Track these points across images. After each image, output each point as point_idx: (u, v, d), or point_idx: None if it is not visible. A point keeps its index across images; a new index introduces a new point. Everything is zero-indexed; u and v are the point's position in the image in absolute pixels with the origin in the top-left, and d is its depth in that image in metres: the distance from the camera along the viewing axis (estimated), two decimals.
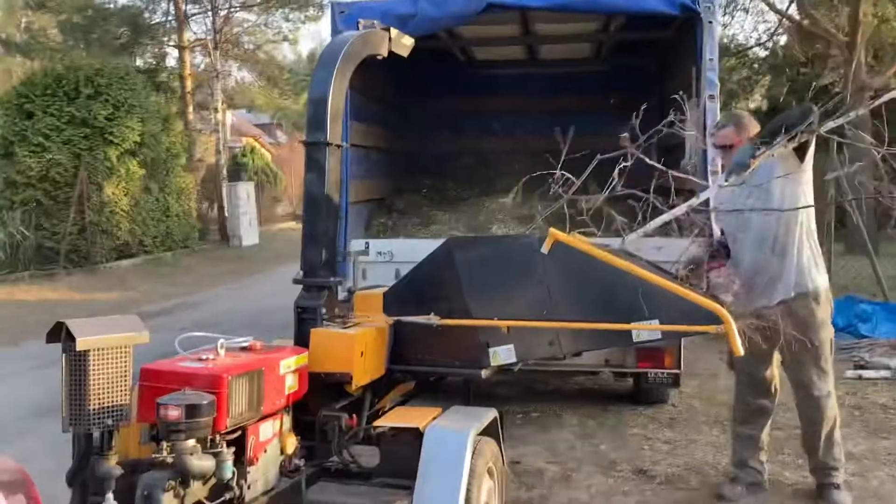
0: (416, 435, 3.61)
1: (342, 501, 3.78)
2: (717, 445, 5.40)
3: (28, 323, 10.45)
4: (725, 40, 19.50)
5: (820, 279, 4.34)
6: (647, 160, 4.09)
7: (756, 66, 20.98)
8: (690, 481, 4.84)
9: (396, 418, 3.81)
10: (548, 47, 7.76)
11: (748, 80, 21.12)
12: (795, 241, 4.25)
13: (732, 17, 20.10)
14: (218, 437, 3.12)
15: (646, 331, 3.79)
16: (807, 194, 4.28)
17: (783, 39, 19.77)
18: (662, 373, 5.74)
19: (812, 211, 4.37)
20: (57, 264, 14.38)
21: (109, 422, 2.90)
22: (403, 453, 3.66)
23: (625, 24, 6.99)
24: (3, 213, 14.50)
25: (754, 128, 4.46)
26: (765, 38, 20.51)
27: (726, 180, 4.11)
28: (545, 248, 3.75)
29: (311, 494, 3.74)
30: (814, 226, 4.40)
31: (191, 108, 23.77)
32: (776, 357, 4.44)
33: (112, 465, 2.95)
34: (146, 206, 16.58)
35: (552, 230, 3.76)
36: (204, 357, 3.29)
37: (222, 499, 3.17)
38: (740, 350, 3.49)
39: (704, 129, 5.25)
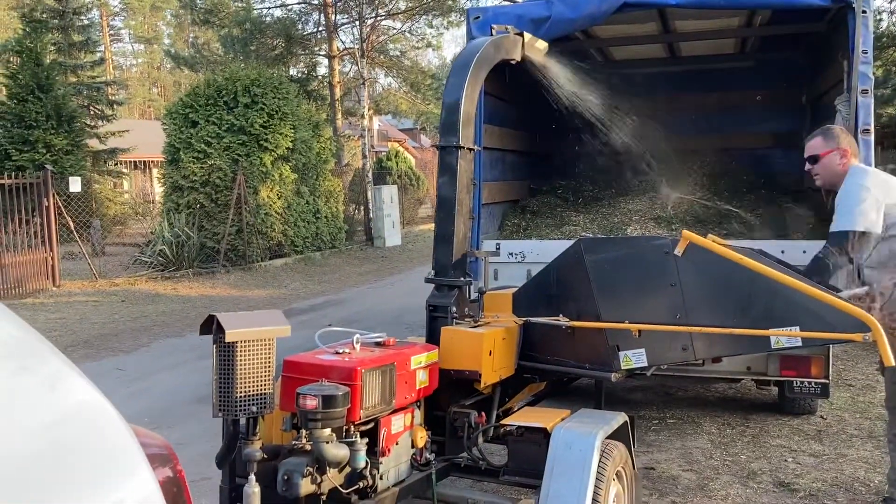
0: (544, 435, 3.65)
1: (471, 497, 3.88)
2: (871, 462, 5.08)
3: (191, 317, 11.30)
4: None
5: None
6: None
7: None
8: (838, 498, 4.58)
9: (525, 417, 3.86)
10: (689, 44, 7.53)
11: None
12: None
13: None
14: (352, 428, 3.29)
15: (785, 337, 3.64)
16: None
17: None
18: (809, 382, 5.45)
19: None
20: (217, 263, 15.42)
21: (254, 409, 3.13)
22: (531, 453, 3.71)
23: (770, 18, 6.68)
24: (171, 214, 15.73)
25: (846, 141, 4.22)
26: None
27: None
28: (679, 250, 3.69)
29: (441, 488, 3.86)
30: None
31: (339, 115, 24.84)
32: None
33: (255, 449, 3.18)
34: (297, 208, 17.45)
35: (686, 232, 3.70)
36: (340, 351, 3.48)
37: (355, 487, 3.33)
38: (892, 360, 3.29)
39: (856, 126, 4.95)
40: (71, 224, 13.91)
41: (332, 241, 19.09)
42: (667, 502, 4.60)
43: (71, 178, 15.76)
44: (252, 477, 2.67)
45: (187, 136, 16.14)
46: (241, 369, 3.08)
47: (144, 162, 32.76)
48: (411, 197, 29.38)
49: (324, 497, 3.23)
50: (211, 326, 3.14)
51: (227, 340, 3.04)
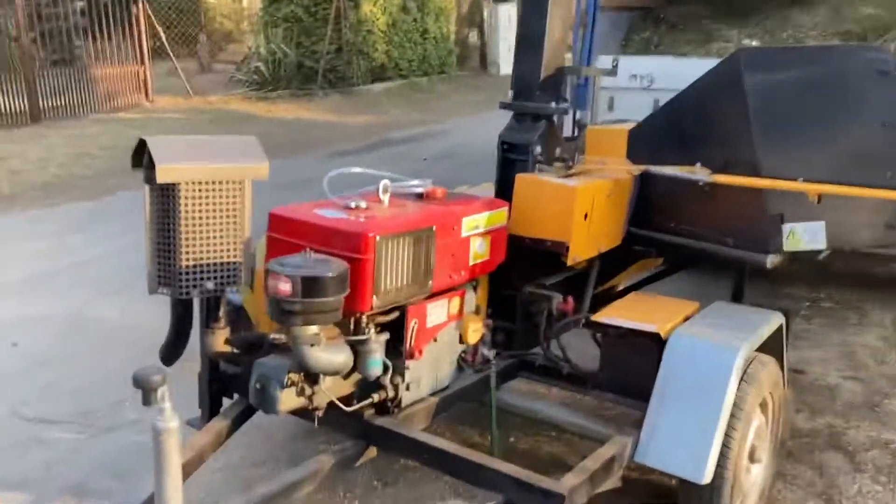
0: (656, 341, 2.45)
1: (542, 411, 2.78)
2: None
3: (279, 142, 10.44)
4: None
5: None
6: None
7: None
8: None
9: (629, 312, 2.65)
10: None
11: None
12: None
13: None
14: (365, 319, 2.20)
15: None
16: None
17: None
18: None
19: None
20: (315, 84, 14.38)
21: (209, 286, 2.07)
22: (635, 363, 2.55)
23: None
24: (267, 28, 14.61)
25: None
26: None
27: None
28: None
29: (503, 395, 2.78)
30: None
31: None
32: None
33: (217, 342, 2.16)
34: (403, 27, 15.94)
35: None
36: (354, 204, 2.32)
37: (368, 401, 2.29)
38: None
39: None
40: (162, 36, 13.10)
41: (441, 65, 17.57)
42: (820, 425, 3.36)
43: None
44: (166, 409, 1.64)
45: None
46: (184, 225, 1.99)
47: None
48: None
49: (319, 413, 2.21)
50: (142, 157, 2.03)
51: (158, 181, 1.93)
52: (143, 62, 12.66)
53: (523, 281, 2.85)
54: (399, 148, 10.36)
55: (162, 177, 1.94)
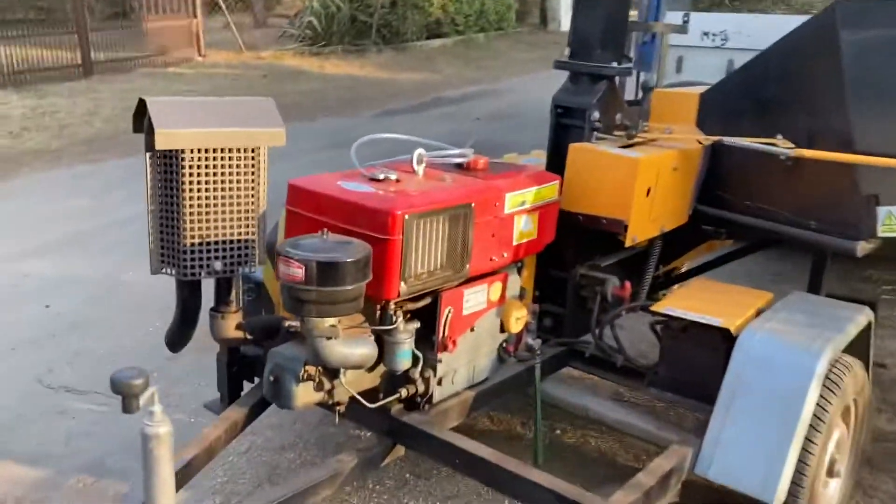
0: (725, 338, 2.15)
1: (593, 409, 2.51)
2: None
3: (329, 99, 10.23)
4: None
5: None
6: None
7: None
8: None
9: (694, 301, 2.34)
10: None
11: None
12: None
13: None
14: (392, 307, 1.95)
15: None
16: None
17: None
18: None
19: None
20: (368, 39, 14.06)
21: (218, 266, 1.84)
22: (699, 360, 2.26)
23: None
24: None
25: None
26: None
27: None
28: None
29: (549, 388, 2.52)
30: None
31: None
32: None
33: (227, 327, 1.94)
34: None
35: None
36: (383, 176, 2.06)
37: (395, 396, 2.05)
38: None
39: None
40: None
41: (499, 21, 17.05)
42: None
43: None
44: (156, 411, 1.42)
45: None
46: (189, 199, 1.75)
47: None
48: None
49: (340, 409, 1.98)
50: (143, 121, 1.79)
51: (157, 147, 1.69)
52: (195, 16, 12.51)
53: (575, 261, 2.57)
54: (451, 108, 10.04)
55: (162, 143, 1.70)
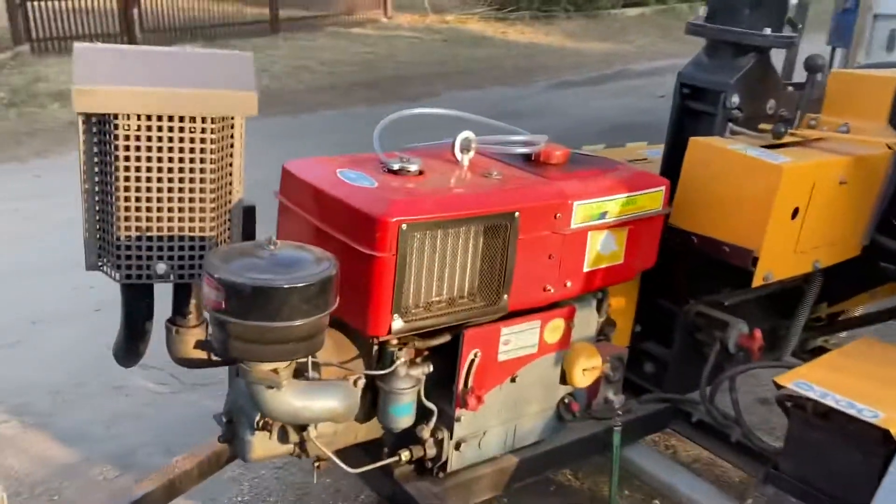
0: (882, 440, 1.45)
1: (680, 493, 1.87)
2: None
3: (504, 66, 9.72)
4: None
5: None
6: None
7: None
8: None
9: (844, 375, 1.62)
10: None
11: None
12: None
13: None
14: (395, 342, 1.45)
15: None
16: None
17: None
18: None
19: None
20: (558, 5, 13.30)
21: (161, 268, 1.41)
22: (841, 460, 1.56)
23: None
24: None
25: None
26: None
27: None
28: None
29: (630, 454, 1.92)
30: None
31: None
32: None
33: (183, 345, 1.52)
34: None
35: None
36: (399, 166, 1.53)
37: (393, 459, 1.55)
38: None
39: None
40: None
41: None
42: None
43: None
44: None
45: None
46: (125, 179, 1.34)
47: None
48: None
49: (318, 466, 1.52)
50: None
51: (77, 110, 1.28)
52: None
53: (691, 293, 1.92)
54: (636, 81, 9.19)
55: (84, 104, 1.29)
